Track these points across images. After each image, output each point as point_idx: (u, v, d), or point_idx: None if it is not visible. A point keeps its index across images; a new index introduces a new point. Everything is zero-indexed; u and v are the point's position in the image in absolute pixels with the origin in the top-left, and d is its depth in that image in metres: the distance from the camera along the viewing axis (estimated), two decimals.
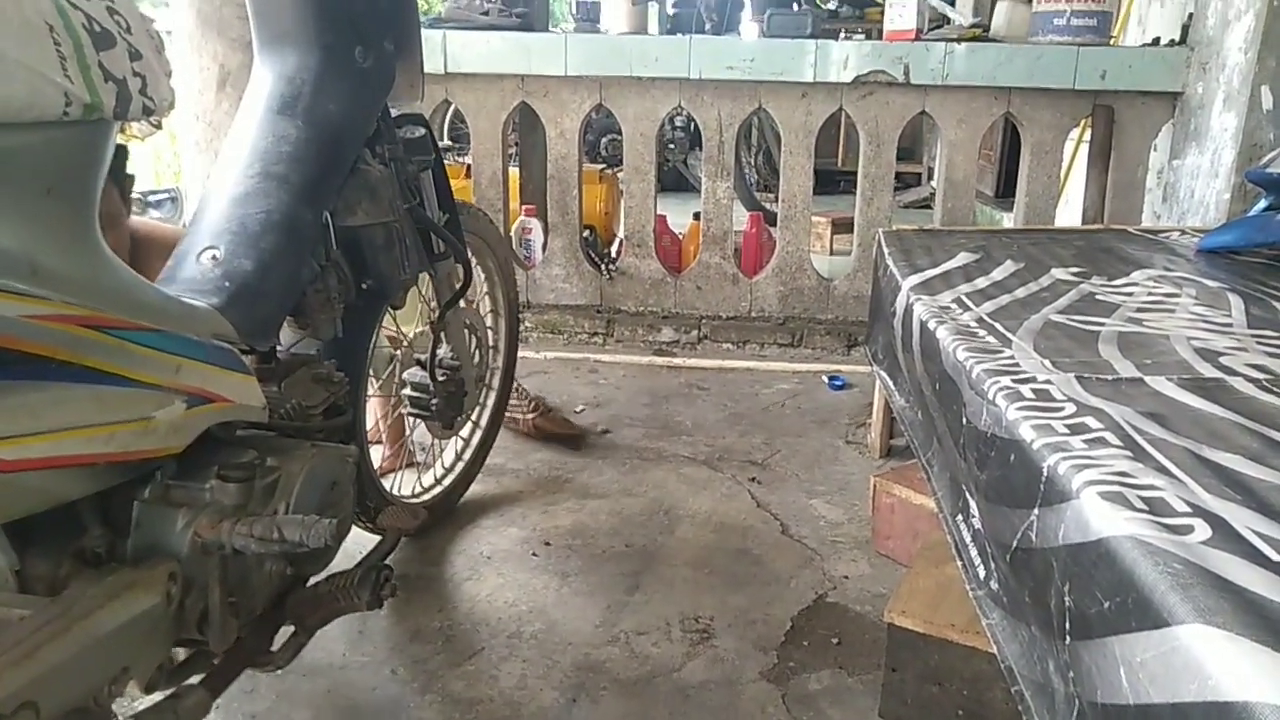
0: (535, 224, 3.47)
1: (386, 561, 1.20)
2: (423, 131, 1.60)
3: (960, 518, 1.25)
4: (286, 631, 1.17)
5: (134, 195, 1.86)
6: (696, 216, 3.50)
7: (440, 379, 1.75)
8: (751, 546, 1.94)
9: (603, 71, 3.13)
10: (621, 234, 3.45)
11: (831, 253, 4.64)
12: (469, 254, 1.78)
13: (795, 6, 4.73)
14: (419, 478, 2.00)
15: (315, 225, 1.31)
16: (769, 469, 2.33)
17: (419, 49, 1.58)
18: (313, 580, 1.21)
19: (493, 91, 3.22)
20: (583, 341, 3.37)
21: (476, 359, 1.93)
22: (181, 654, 1.09)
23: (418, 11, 1.58)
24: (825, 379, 2.98)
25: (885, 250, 2.11)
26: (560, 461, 2.33)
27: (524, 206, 3.53)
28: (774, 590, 1.77)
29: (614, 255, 3.58)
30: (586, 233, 3.59)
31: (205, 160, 2.90)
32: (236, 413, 1.08)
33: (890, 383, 1.94)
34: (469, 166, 3.42)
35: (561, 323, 3.39)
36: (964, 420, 1.21)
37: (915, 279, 1.80)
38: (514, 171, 3.60)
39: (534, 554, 1.89)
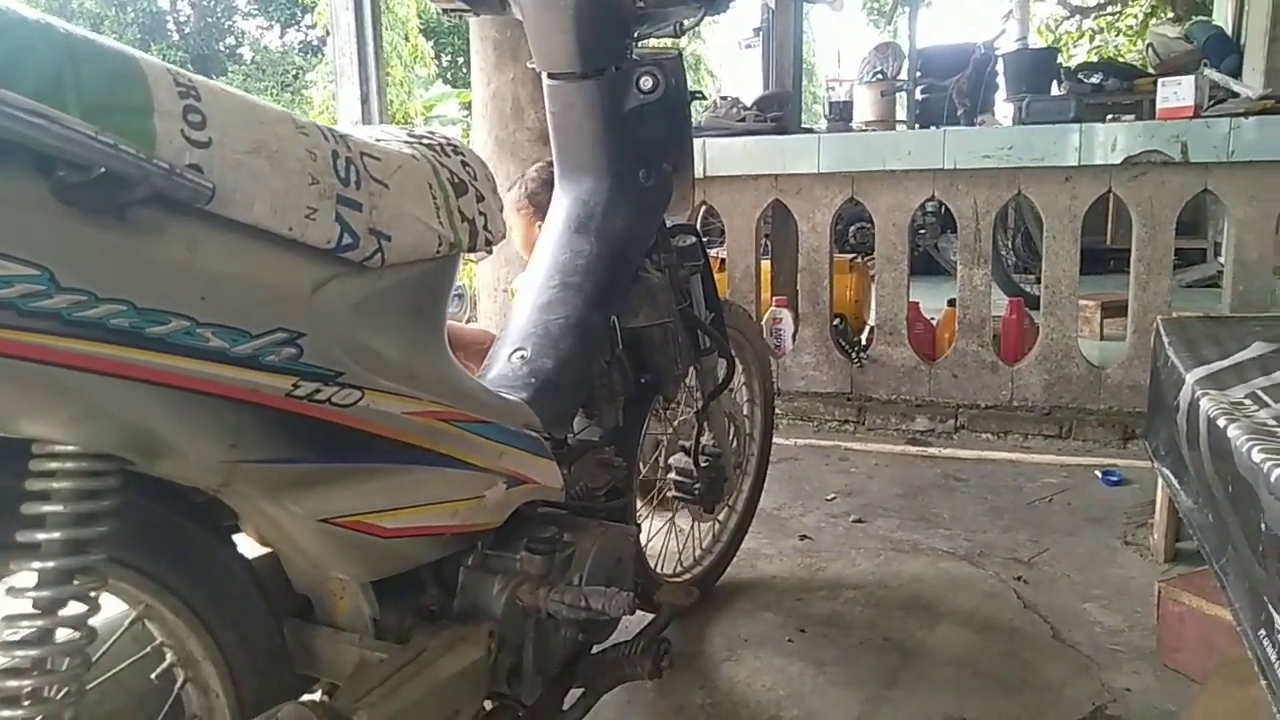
0: (786, 314, 3.58)
1: (664, 635, 1.30)
2: (693, 240, 1.76)
3: (1264, 633, 1.16)
4: (574, 694, 1.30)
5: None
6: (951, 303, 3.44)
7: (703, 465, 1.86)
8: (1019, 649, 1.86)
9: (855, 167, 3.22)
10: (873, 322, 3.47)
11: (1102, 338, 4.36)
12: (731, 348, 1.90)
13: (1055, 85, 4.60)
14: (679, 558, 2.11)
15: (604, 327, 1.49)
16: (1036, 568, 2.22)
17: (691, 165, 1.75)
18: (596, 648, 1.33)
19: (747, 191, 3.40)
20: (833, 429, 3.39)
21: (735, 445, 2.04)
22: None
23: (692, 133, 1.75)
24: (1098, 473, 2.80)
25: (1165, 339, 1.99)
26: (813, 549, 2.35)
27: (775, 297, 3.65)
28: (1045, 697, 1.69)
29: (865, 343, 3.59)
30: (837, 321, 3.64)
31: (493, 265, 3.28)
32: (541, 493, 1.25)
33: (1175, 481, 1.81)
34: (723, 260, 3.60)
35: (811, 410, 3.43)
36: (1262, 527, 1.14)
37: (1201, 371, 1.70)
38: (765, 263, 3.74)
39: (789, 640, 1.92)
